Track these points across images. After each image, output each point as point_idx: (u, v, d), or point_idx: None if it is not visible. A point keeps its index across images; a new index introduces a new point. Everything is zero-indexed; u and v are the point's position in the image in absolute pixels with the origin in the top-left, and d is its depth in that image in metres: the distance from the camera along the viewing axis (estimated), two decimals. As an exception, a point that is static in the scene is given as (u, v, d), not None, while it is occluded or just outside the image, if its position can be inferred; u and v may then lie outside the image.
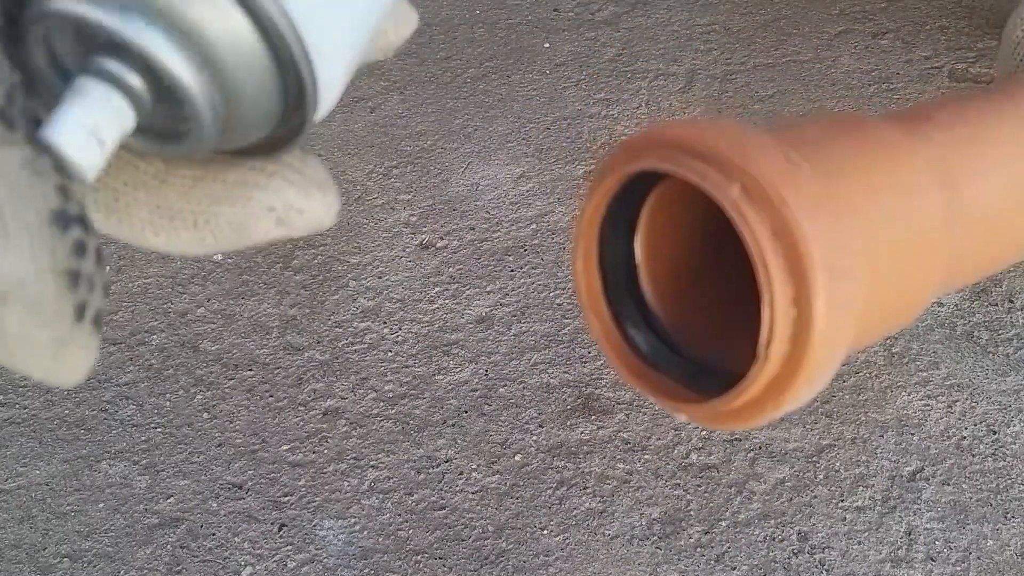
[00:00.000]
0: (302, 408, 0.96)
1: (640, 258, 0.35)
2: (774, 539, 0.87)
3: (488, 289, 1.08)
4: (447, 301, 1.07)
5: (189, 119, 0.28)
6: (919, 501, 0.89)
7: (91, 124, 0.27)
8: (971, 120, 0.37)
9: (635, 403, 1.01)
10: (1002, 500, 0.89)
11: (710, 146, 0.30)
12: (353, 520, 0.89)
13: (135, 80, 0.27)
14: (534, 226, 1.29)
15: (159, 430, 0.97)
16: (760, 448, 0.93)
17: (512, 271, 1.22)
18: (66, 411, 1.00)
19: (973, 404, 0.97)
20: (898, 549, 0.86)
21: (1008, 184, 0.37)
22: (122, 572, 0.87)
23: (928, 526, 0.88)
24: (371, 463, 0.93)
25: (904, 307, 0.34)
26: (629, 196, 0.34)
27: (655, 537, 0.87)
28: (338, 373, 0.98)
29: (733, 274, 0.32)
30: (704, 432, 0.97)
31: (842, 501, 0.89)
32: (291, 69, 0.28)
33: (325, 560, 0.86)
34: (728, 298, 0.34)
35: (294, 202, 0.31)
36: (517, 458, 0.93)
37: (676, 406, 0.33)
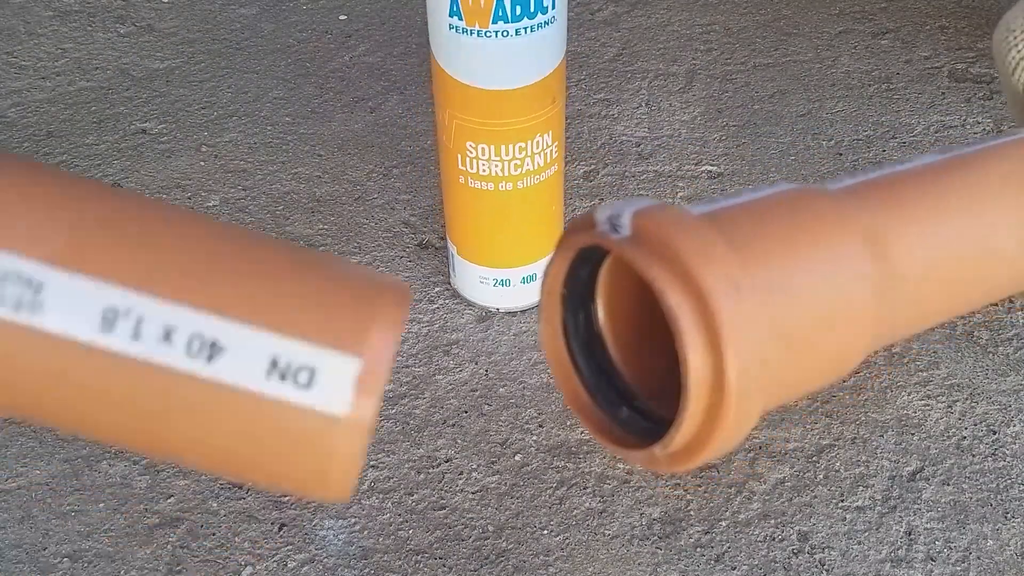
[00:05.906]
0: (302, 408, 0.96)
1: (602, 319, 0.38)
2: (774, 539, 0.87)
3: (488, 289, 1.07)
4: (447, 301, 1.07)
5: None
6: (919, 501, 0.89)
7: None
8: (907, 186, 0.38)
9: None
10: (1002, 500, 0.89)
11: (640, 226, 0.34)
12: (353, 520, 0.89)
13: None
14: (534, 226, 1.29)
15: (159, 430, 0.97)
16: (760, 448, 0.94)
17: (512, 271, 1.22)
18: (66, 411, 1.00)
19: (973, 404, 0.97)
20: (898, 549, 0.86)
21: (940, 248, 0.38)
22: (122, 572, 0.87)
23: (928, 526, 0.88)
24: (371, 463, 0.93)
25: (829, 370, 0.37)
26: (589, 263, 0.36)
27: (655, 537, 0.87)
28: (338, 373, 0.98)
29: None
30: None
31: (842, 501, 0.89)
32: None
33: (325, 560, 0.86)
34: (668, 359, 0.36)
35: None
36: (517, 458, 0.93)
37: (623, 453, 0.37)
